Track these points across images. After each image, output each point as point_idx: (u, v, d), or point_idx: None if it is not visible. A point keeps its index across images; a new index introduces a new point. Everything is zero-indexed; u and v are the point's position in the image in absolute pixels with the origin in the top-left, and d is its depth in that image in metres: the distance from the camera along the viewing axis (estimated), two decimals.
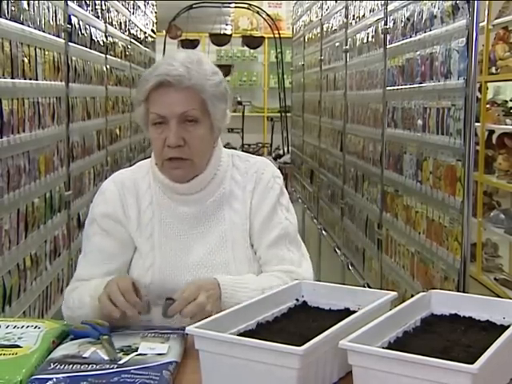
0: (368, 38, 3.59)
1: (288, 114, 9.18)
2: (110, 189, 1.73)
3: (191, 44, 9.76)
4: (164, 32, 9.52)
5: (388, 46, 3.14)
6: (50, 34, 2.93)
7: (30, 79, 2.62)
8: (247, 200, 1.71)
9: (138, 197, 1.72)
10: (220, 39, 9.97)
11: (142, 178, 1.74)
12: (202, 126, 1.63)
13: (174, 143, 1.61)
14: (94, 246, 1.70)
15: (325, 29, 5.21)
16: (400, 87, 2.93)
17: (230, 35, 10.10)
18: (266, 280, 1.62)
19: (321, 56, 5.33)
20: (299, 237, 1.77)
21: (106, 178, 1.79)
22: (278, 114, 10.25)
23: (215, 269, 1.64)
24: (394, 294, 1.41)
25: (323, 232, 5.01)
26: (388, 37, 3.14)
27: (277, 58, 10.16)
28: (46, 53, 2.86)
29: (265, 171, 1.74)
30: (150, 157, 1.76)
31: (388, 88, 3.11)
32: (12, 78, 2.39)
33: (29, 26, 2.61)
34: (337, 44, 4.62)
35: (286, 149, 9.64)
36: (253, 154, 1.85)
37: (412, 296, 1.41)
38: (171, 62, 1.62)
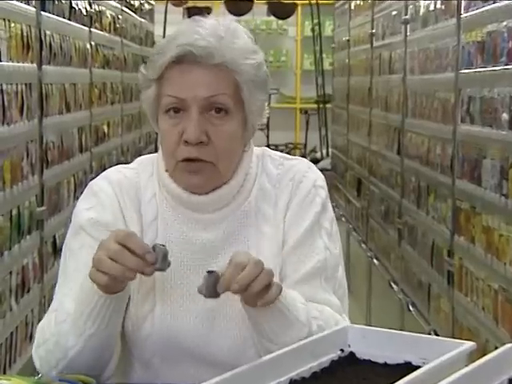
0: (436, 4, 3.58)
1: (328, 106, 9.18)
2: (104, 190, 1.68)
3: (200, 13, 9.72)
4: None
5: (463, 15, 3.14)
6: (17, 0, 2.97)
7: None
8: (280, 221, 1.67)
9: (141, 208, 1.68)
10: (239, 7, 10.03)
11: (146, 183, 1.70)
12: (232, 120, 1.60)
13: (194, 138, 1.56)
14: (81, 263, 1.60)
15: None
16: (479, 70, 2.92)
17: (252, 1, 10.15)
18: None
19: (372, 29, 5.33)
20: (341, 274, 1.71)
21: None
22: (315, 106, 10.28)
23: (234, 316, 1.62)
24: (471, 344, 1.40)
25: (375, 260, 4.99)
26: (463, 3, 3.13)
27: (313, 31, 10.19)
28: (12, 25, 2.89)
29: (304, 178, 1.70)
30: (154, 152, 1.72)
31: (462, 71, 3.10)
32: None
33: None
34: (393, 13, 4.62)
35: (324, 151, 9.65)
36: None
37: (496, 348, 1.40)
38: (197, 29, 1.58)
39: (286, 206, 1.68)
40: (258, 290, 1.44)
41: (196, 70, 1.57)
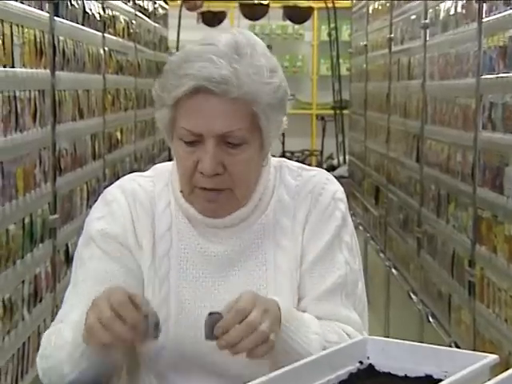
0: (456, 7, 3.58)
1: (345, 112, 9.18)
2: (118, 200, 1.69)
3: (215, 18, 9.86)
4: (179, 1, 9.63)
5: (484, 20, 3.13)
6: (30, 5, 2.98)
7: (5, 66, 2.66)
8: (298, 234, 1.68)
9: (154, 218, 1.69)
10: (254, 11, 10.05)
11: (160, 192, 1.71)
12: (249, 148, 1.60)
13: (210, 171, 1.57)
14: (89, 273, 1.65)
15: None
16: (501, 75, 2.91)
17: (268, 6, 10.17)
18: (325, 329, 1.60)
19: (390, 33, 5.33)
20: (361, 289, 1.71)
21: None
22: (332, 112, 10.28)
23: None
24: (493, 357, 1.39)
25: (393, 270, 4.98)
26: (485, 6, 3.13)
27: (330, 35, 10.20)
28: (26, 31, 2.90)
29: (323, 191, 1.70)
30: (168, 158, 1.73)
31: (484, 77, 3.10)
32: None
33: None
34: (413, 17, 4.62)
35: (341, 158, 9.64)
36: None
37: None
38: (211, 56, 1.54)
39: (305, 219, 1.69)
40: (245, 350, 1.45)
41: (212, 101, 1.55)
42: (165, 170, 1.74)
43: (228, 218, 1.66)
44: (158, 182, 1.72)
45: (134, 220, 1.68)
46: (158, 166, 1.79)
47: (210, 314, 1.47)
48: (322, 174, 1.75)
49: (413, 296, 4.34)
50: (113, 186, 1.74)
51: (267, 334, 1.45)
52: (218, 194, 1.61)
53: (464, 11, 3.45)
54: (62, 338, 1.58)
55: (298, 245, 1.67)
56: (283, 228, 1.68)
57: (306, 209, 1.69)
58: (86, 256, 1.68)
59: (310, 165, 1.83)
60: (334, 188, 1.72)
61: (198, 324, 1.62)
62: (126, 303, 1.46)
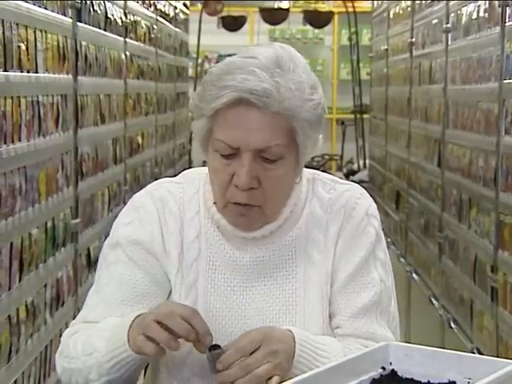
0: (479, 11, 3.57)
1: (365, 116, 9.17)
2: (146, 207, 1.69)
3: (235, 22, 9.87)
4: (199, 6, 9.65)
5: (508, 24, 3.12)
6: (53, 11, 3.00)
7: (28, 72, 2.67)
8: (330, 248, 1.68)
9: (183, 225, 1.69)
10: (274, 16, 10.05)
11: (190, 199, 1.71)
12: (284, 163, 1.60)
13: (245, 185, 1.56)
14: (113, 278, 1.66)
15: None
16: None
17: (288, 10, 10.17)
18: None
19: (411, 38, 5.32)
20: (394, 306, 1.73)
21: (124, 202, 1.78)
22: (352, 116, 10.26)
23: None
24: None
25: (414, 275, 4.97)
26: (508, 10, 3.11)
27: (350, 40, 10.19)
28: (49, 36, 2.92)
29: (357, 205, 1.70)
30: (187, 163, 1.73)
31: (506, 81, 3.09)
32: (5, 70, 2.45)
33: (27, 2, 2.68)
34: (434, 21, 4.61)
35: (361, 162, 9.62)
36: (317, 169, 1.82)
37: None
38: (253, 68, 1.53)
39: (337, 234, 1.69)
40: None
41: (252, 114, 1.55)
42: (195, 177, 1.74)
43: (258, 232, 1.66)
44: (188, 188, 1.72)
45: (162, 227, 1.68)
46: (187, 171, 1.79)
47: (211, 347, 1.49)
48: (355, 188, 1.75)
49: (434, 301, 4.33)
50: (142, 191, 1.75)
51: (262, 378, 1.47)
52: (249, 208, 1.61)
53: (486, 15, 3.44)
54: (91, 344, 1.59)
55: (330, 259, 1.67)
56: (315, 241, 1.68)
57: (339, 223, 1.69)
58: (111, 260, 1.69)
59: (329, 169, 1.84)
60: (367, 203, 1.72)
61: (224, 332, 1.63)
62: (195, 314, 1.50)
